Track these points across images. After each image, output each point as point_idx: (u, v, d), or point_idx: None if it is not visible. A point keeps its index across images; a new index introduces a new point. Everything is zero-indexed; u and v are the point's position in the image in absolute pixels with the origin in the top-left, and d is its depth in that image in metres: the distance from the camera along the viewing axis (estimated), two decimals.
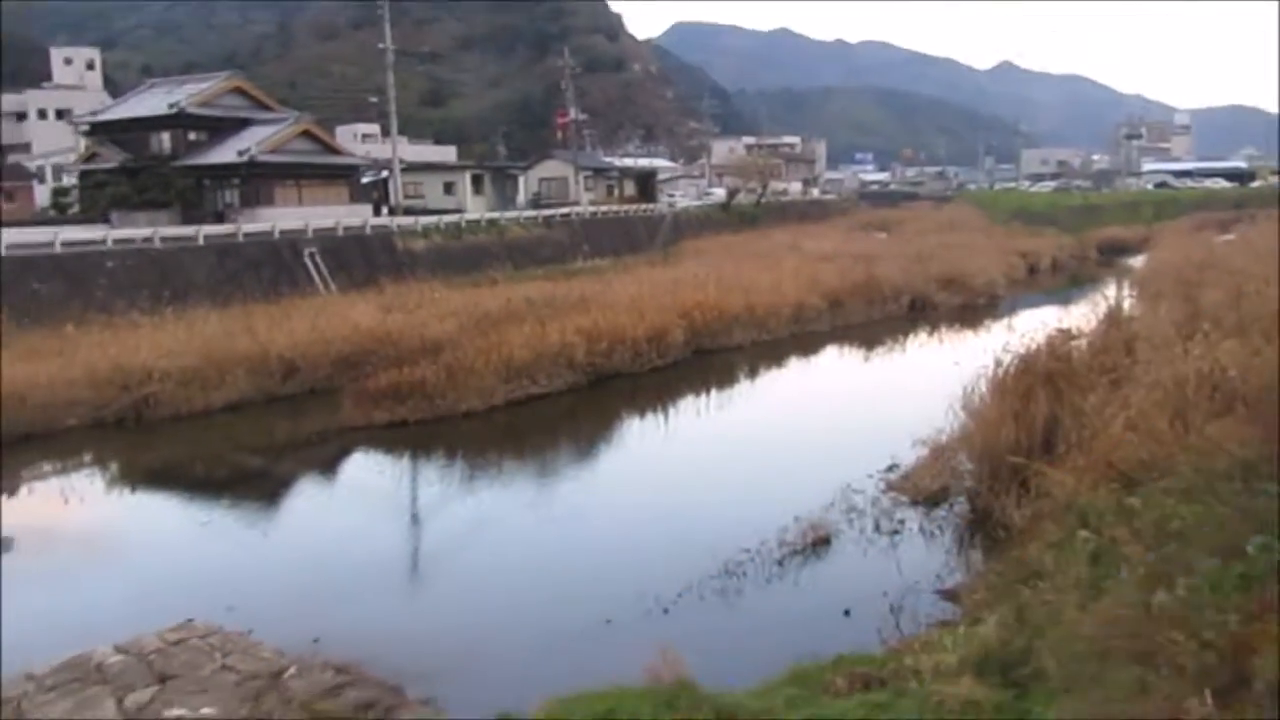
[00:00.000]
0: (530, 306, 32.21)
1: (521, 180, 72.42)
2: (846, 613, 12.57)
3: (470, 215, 54.58)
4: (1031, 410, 15.44)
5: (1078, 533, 8.42)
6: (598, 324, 29.18)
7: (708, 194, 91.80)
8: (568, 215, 59.57)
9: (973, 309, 42.15)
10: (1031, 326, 19.78)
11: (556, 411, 25.70)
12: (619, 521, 17.14)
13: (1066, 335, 17.77)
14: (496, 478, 20.77)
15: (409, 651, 11.56)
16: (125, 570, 15.85)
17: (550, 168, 75.29)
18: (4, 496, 19.84)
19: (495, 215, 55.46)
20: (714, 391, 28.60)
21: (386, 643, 11.71)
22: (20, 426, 22.08)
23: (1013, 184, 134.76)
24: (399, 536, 17.31)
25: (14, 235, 35.40)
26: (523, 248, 52.57)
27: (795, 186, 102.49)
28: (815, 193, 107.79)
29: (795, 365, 33.15)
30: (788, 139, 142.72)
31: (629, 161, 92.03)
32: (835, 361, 34.28)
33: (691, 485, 19.30)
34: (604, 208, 66.11)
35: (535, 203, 67.70)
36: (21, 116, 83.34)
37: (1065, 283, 53.56)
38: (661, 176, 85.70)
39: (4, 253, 32.55)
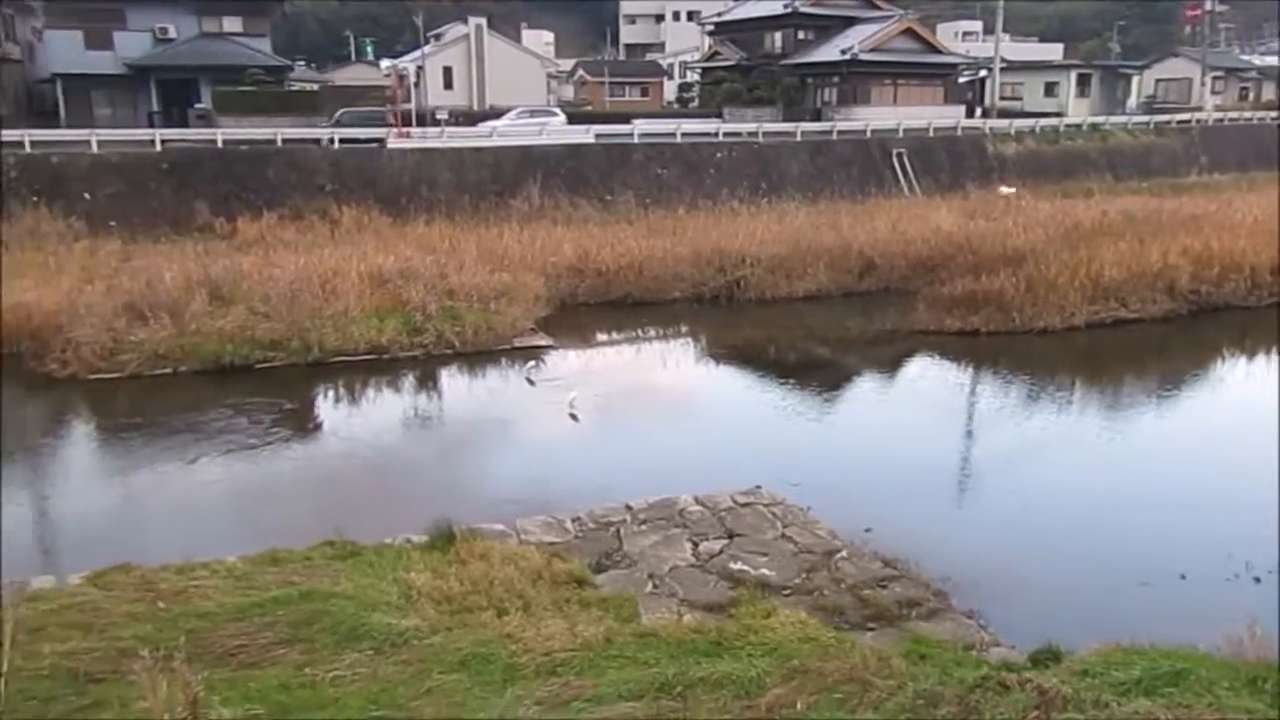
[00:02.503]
0: (1128, 222, 29.78)
1: (1135, 81, 65.57)
2: None
3: (1071, 119, 51.18)
4: None
5: None
6: (1209, 247, 26.25)
7: None
8: (1186, 121, 53.28)
9: None
10: None
11: (1144, 340, 23.43)
12: (1205, 471, 15.30)
13: None
14: (1064, 402, 19.59)
15: (954, 559, 11.56)
16: (704, 431, 17.82)
17: (1171, 67, 67.31)
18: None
19: (1099, 119, 51.42)
20: None
21: (933, 546, 11.84)
22: (636, 294, 25.87)
23: None
24: (953, 444, 17.21)
25: (644, 125, 40.76)
26: (1127, 156, 48.19)
27: None
28: None
29: None
30: None
31: (1272, 60, 78.16)
32: None
33: None
34: (1233, 114, 57.78)
35: (1149, 106, 61.12)
36: (659, 18, 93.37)
37: None
38: None
39: (637, 140, 37.62)
